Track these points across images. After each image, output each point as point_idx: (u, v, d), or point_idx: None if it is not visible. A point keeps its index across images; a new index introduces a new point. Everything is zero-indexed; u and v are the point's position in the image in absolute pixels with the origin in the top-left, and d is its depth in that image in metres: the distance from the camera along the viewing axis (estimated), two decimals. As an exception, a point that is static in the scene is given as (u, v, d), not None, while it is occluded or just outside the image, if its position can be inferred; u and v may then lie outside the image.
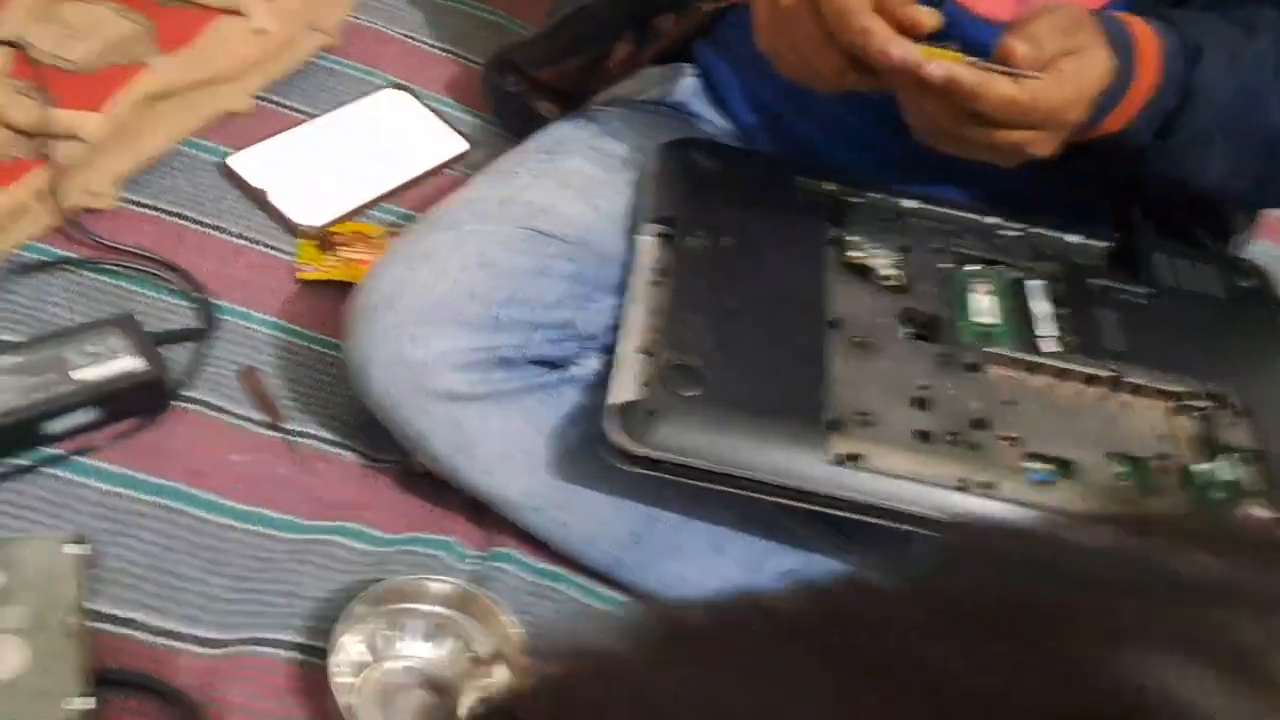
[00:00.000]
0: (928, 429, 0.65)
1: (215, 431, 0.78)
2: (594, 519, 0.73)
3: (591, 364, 0.72)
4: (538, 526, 0.74)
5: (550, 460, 0.71)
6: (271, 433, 0.79)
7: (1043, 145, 0.62)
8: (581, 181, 0.79)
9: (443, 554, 0.76)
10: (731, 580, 0.74)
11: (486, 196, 0.77)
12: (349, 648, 0.68)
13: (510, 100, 0.94)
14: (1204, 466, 0.65)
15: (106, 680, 0.64)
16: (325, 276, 0.88)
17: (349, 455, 0.79)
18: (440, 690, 0.69)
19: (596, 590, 0.76)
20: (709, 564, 0.74)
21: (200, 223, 0.89)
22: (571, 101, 0.90)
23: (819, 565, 0.75)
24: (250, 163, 0.94)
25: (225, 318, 0.84)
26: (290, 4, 0.96)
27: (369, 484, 0.78)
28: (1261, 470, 0.65)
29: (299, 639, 0.69)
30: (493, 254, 0.72)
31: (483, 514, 0.77)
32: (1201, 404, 0.68)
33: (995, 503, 0.62)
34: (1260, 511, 0.63)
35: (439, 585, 0.70)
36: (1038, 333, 0.72)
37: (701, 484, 0.65)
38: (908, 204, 0.79)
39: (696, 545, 0.73)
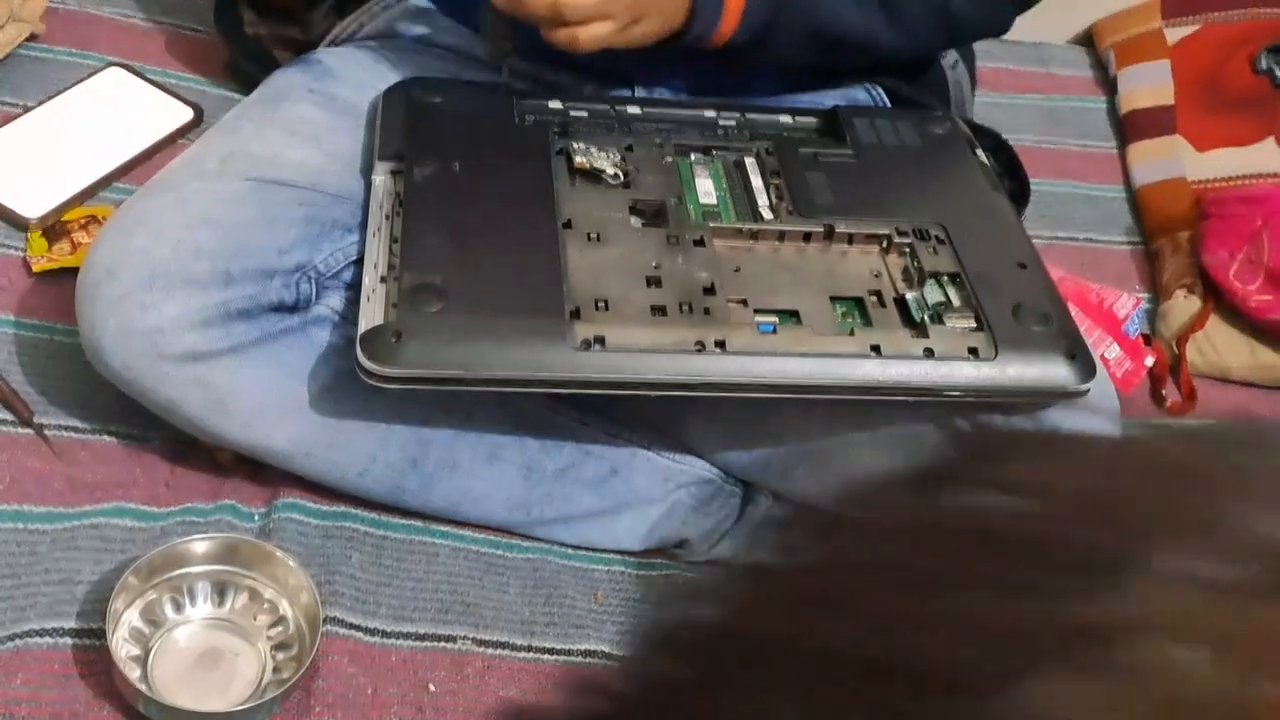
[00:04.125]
0: (662, 303, 0.68)
1: (-41, 438, 0.75)
2: (364, 453, 0.73)
3: (334, 301, 0.72)
4: (313, 471, 0.74)
5: (309, 403, 0.71)
6: (23, 430, 0.76)
7: (618, 35, 0.68)
8: (309, 128, 0.78)
9: (227, 517, 0.75)
10: (514, 485, 0.76)
11: (208, 154, 0.76)
12: (129, 622, 0.67)
13: (247, 48, 0.92)
14: (913, 294, 0.71)
15: None
16: (59, 265, 0.85)
17: (111, 439, 0.77)
18: (239, 644, 0.69)
19: (387, 521, 0.77)
20: (488, 473, 0.76)
21: (-86, 232, 0.85)
22: (304, 50, 0.89)
23: (596, 457, 0.78)
24: (-35, 164, 0.89)
25: (-44, 324, 0.80)
26: (-25, -8, 0.91)
27: (136, 464, 0.77)
28: (962, 288, 0.71)
29: (76, 624, 0.67)
30: (217, 211, 0.71)
31: (260, 471, 0.77)
32: (906, 240, 0.74)
33: (729, 357, 0.66)
34: (963, 322, 0.70)
35: (207, 544, 0.70)
36: (759, 203, 0.76)
37: (464, 390, 0.66)
38: (631, 110, 0.83)
39: (472, 458, 0.75)
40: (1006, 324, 0.69)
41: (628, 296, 0.68)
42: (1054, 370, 0.69)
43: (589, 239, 0.72)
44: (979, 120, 0.94)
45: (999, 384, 0.68)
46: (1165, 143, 1.16)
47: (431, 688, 0.70)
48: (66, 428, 0.77)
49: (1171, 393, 1.01)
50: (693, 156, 0.79)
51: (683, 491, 0.79)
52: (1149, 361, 1.01)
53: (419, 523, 0.77)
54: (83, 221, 0.88)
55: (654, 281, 0.69)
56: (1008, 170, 0.91)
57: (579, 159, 0.76)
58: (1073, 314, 0.74)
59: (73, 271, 0.83)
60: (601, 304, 0.68)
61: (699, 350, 0.66)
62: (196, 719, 0.64)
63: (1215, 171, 1.13)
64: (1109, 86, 1.24)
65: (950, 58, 0.90)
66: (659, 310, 0.68)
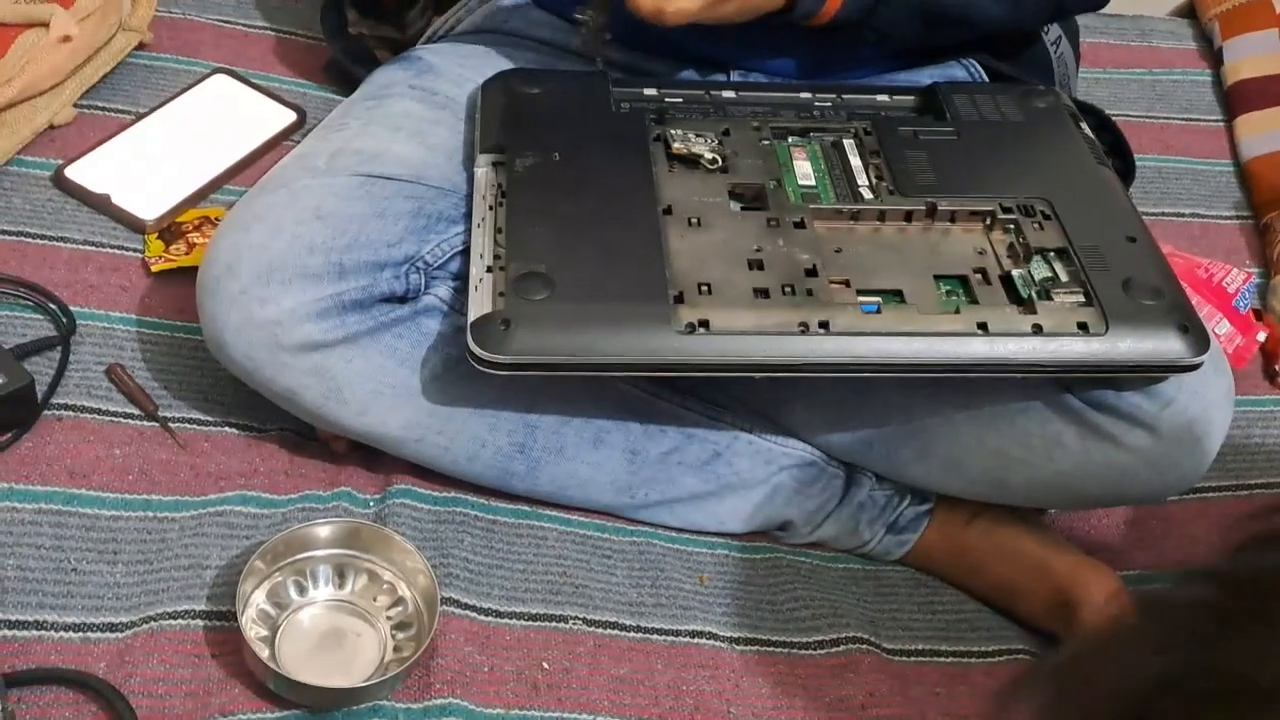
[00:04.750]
0: (765, 286, 0.68)
1: (91, 432, 0.78)
2: (473, 438, 0.75)
3: (442, 291, 0.74)
4: (423, 456, 0.76)
5: (420, 390, 0.73)
6: (149, 423, 0.80)
7: (707, 10, 0.67)
8: (411, 123, 0.80)
9: (343, 503, 0.77)
10: (619, 469, 0.77)
11: (316, 152, 0.78)
12: (256, 604, 0.70)
13: (349, 48, 0.95)
14: (1020, 270, 0.70)
15: (18, 682, 0.65)
16: (176, 265, 0.88)
17: (231, 430, 0.81)
18: (360, 624, 0.71)
19: (496, 505, 0.79)
20: (593, 458, 0.77)
21: (43, 236, 0.89)
22: (403, 48, 0.91)
23: (699, 441, 0.78)
24: (87, 170, 0.93)
25: (84, 322, 0.84)
26: (90, 6, 0.95)
27: (256, 454, 0.80)
28: (1069, 263, 0.70)
29: (206, 606, 0.70)
30: (328, 205, 0.73)
31: (374, 459, 0.79)
32: (1010, 216, 0.72)
33: (833, 337, 0.66)
34: (1071, 298, 0.68)
35: (329, 528, 0.72)
36: (859, 183, 0.75)
37: (571, 375, 0.67)
38: (726, 94, 0.83)
39: (578, 443, 0.76)
40: (1117, 298, 0.68)
41: (730, 280, 0.69)
42: (1166, 344, 0.67)
43: (689, 224, 0.72)
44: (1081, 98, 0.92)
45: (1110, 359, 0.67)
46: (1273, 113, 1.12)
47: (545, 665, 0.71)
48: (189, 420, 0.80)
49: (1286, 369, 0.97)
50: (790, 139, 0.79)
51: (785, 474, 0.79)
52: (1261, 336, 0.98)
53: (527, 507, 0.79)
54: (197, 223, 0.91)
55: (755, 264, 0.70)
56: (1112, 148, 0.89)
57: (676, 145, 0.77)
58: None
59: (190, 271, 0.86)
60: (704, 288, 0.68)
61: (803, 331, 0.66)
62: (322, 695, 0.67)
63: (1328, 140, 1.09)
64: (1213, 59, 1.21)
65: (1053, 34, 0.88)
66: (761, 293, 0.68)
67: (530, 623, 0.73)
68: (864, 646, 0.75)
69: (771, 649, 0.75)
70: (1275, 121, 1.12)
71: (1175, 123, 1.16)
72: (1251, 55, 1.17)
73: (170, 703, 0.66)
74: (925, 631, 0.78)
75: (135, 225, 0.91)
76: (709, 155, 0.76)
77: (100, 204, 0.91)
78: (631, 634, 0.74)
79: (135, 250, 0.89)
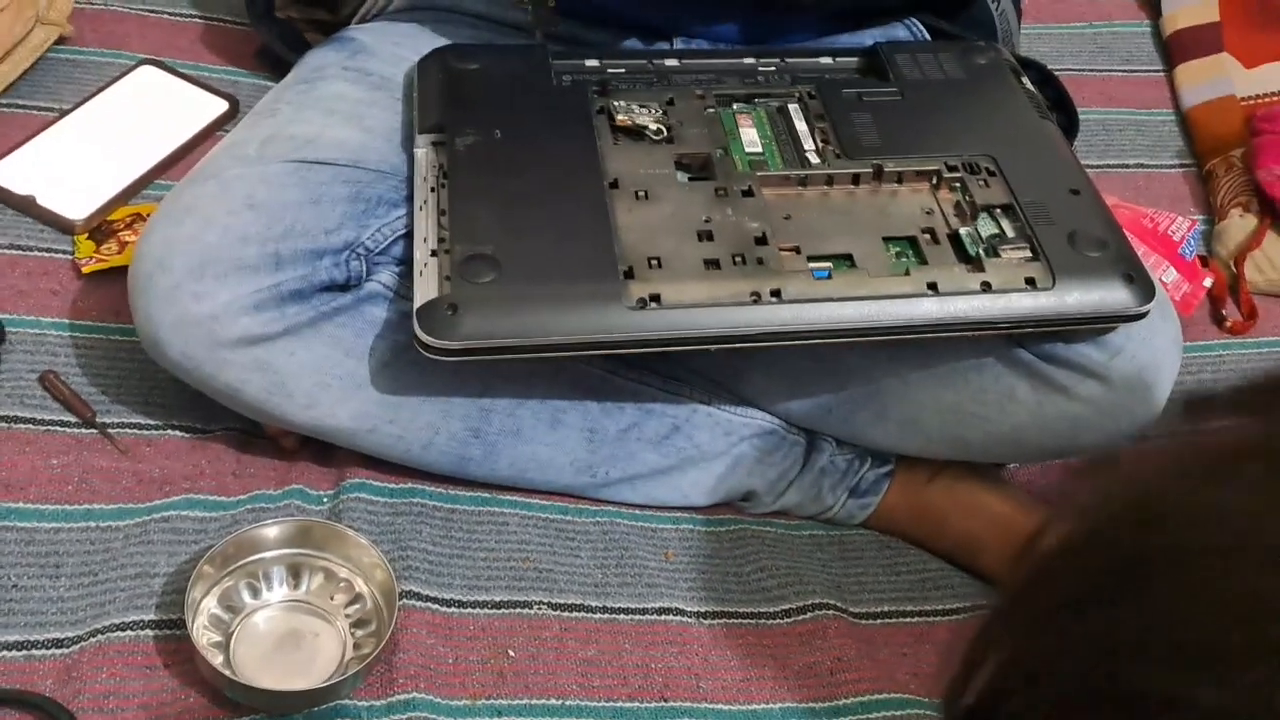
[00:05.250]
0: (715, 256, 0.67)
1: (26, 443, 0.75)
2: (426, 425, 0.73)
3: (386, 277, 0.72)
4: (376, 447, 0.74)
5: (368, 379, 0.71)
6: (87, 430, 0.77)
7: None
8: (346, 105, 0.78)
9: (295, 501, 0.75)
10: (578, 448, 0.76)
11: (247, 140, 0.76)
12: (208, 610, 0.68)
13: (280, 32, 0.92)
14: (967, 229, 0.70)
15: (-37, 704, 0.63)
16: (109, 265, 0.85)
17: (175, 433, 0.78)
18: (318, 624, 0.69)
19: (454, 494, 0.77)
20: (551, 438, 0.75)
21: (-36, 242, 0.85)
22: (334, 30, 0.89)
23: (657, 415, 0.77)
24: (10, 171, 0.90)
25: (14, 329, 0.81)
26: (2, 1, 0.92)
27: (202, 456, 0.77)
28: (1015, 219, 0.70)
29: (156, 615, 0.68)
30: (261, 194, 0.71)
31: (326, 454, 0.77)
32: (956, 175, 0.72)
33: (786, 305, 0.65)
34: (1018, 253, 0.68)
35: (279, 528, 0.70)
36: (805, 148, 0.74)
37: (523, 359, 0.66)
38: (669, 63, 0.81)
39: (534, 424, 0.75)
40: (1062, 251, 0.68)
41: (680, 252, 0.67)
42: (1113, 294, 0.67)
43: (636, 197, 0.71)
44: (1024, 53, 0.91)
45: (1058, 312, 0.67)
46: (1213, 62, 1.13)
47: (511, 653, 0.70)
48: (130, 425, 0.78)
49: (1232, 312, 0.98)
50: (735, 106, 0.78)
51: (745, 444, 0.78)
52: (1207, 283, 0.99)
53: (486, 493, 0.77)
54: (128, 220, 0.88)
55: (705, 235, 0.68)
56: (1055, 102, 0.89)
57: (620, 117, 0.75)
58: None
59: (122, 271, 0.83)
60: (654, 262, 0.67)
61: (755, 301, 0.65)
62: (281, 699, 0.65)
63: (1265, 86, 1.10)
64: (1152, 9, 1.21)
65: (994, -10, 0.88)
66: (712, 264, 0.67)
67: (494, 611, 0.72)
68: (830, 612, 0.75)
69: (739, 621, 0.74)
70: (1213, 69, 1.13)
71: (1117, 75, 1.16)
72: (1188, 5, 1.18)
73: (123, 717, 0.64)
74: (891, 593, 0.78)
75: (63, 226, 0.87)
76: (654, 126, 0.75)
77: (25, 206, 0.88)
78: (597, 615, 0.73)
79: (65, 252, 0.86)
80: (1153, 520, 0.25)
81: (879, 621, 0.76)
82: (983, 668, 0.27)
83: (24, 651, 0.66)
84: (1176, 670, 0.23)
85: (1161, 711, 0.23)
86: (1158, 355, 0.73)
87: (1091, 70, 1.16)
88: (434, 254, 0.68)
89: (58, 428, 0.77)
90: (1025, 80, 0.81)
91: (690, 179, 0.73)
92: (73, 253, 0.86)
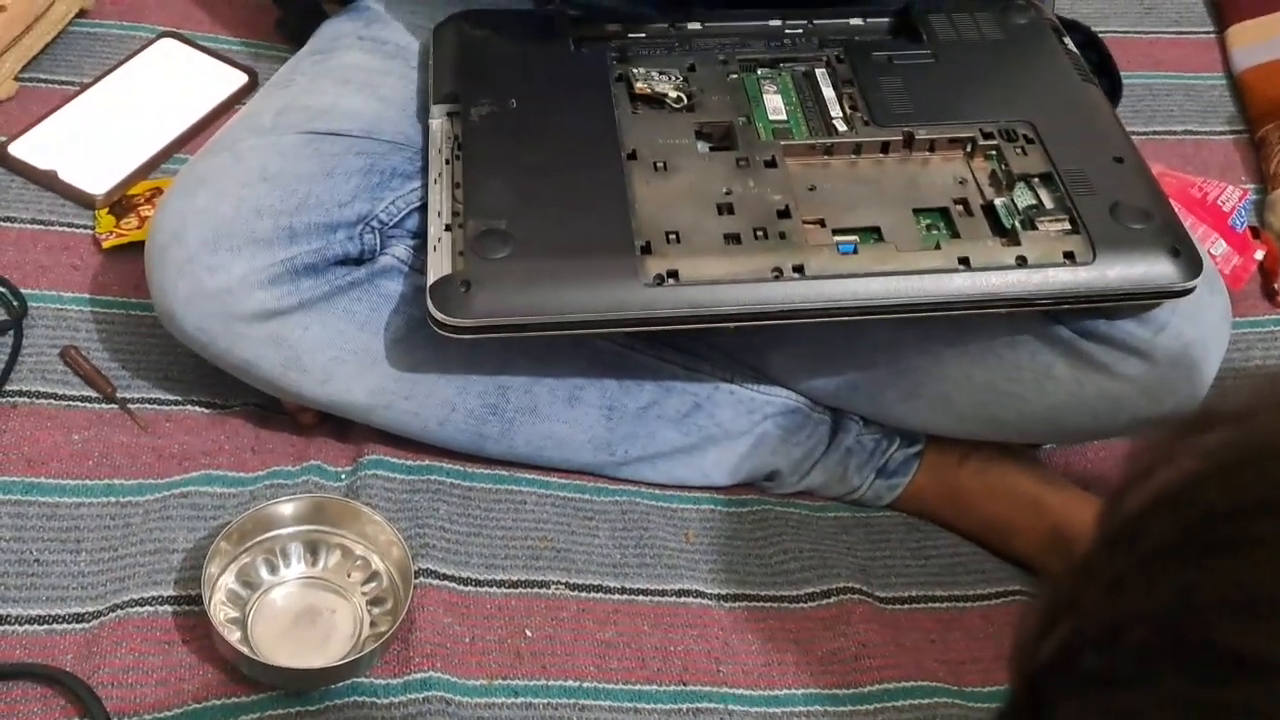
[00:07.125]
0: (736, 230, 0.65)
1: (47, 418, 0.75)
2: (443, 401, 0.72)
3: (400, 251, 0.71)
4: (393, 423, 0.73)
5: (383, 354, 0.70)
6: (108, 406, 0.77)
7: None
8: (361, 75, 0.76)
9: (313, 477, 0.75)
10: (597, 426, 0.75)
11: (262, 110, 0.74)
12: (225, 586, 0.68)
13: (298, 3, 0.91)
14: (1002, 199, 0.67)
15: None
16: (129, 239, 0.85)
17: (194, 409, 0.78)
18: (335, 601, 0.69)
19: (471, 471, 0.76)
20: (569, 415, 0.74)
21: (-13, 217, 0.85)
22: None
23: (678, 393, 0.76)
24: (32, 146, 0.90)
25: (36, 304, 0.81)
26: (23, -28, 0.91)
27: (220, 431, 0.77)
28: (1054, 189, 0.67)
29: (175, 591, 0.68)
30: (275, 166, 0.69)
31: (344, 430, 0.77)
32: (992, 142, 0.69)
33: (809, 281, 0.63)
34: (1057, 225, 0.65)
35: (295, 504, 0.69)
36: (832, 115, 0.72)
37: (539, 335, 0.65)
38: (691, 26, 0.79)
39: (552, 401, 0.73)
40: (1104, 223, 0.65)
41: (699, 226, 0.65)
42: (1157, 269, 0.64)
43: (655, 169, 0.69)
44: (1065, 14, 0.87)
45: (1099, 288, 0.64)
46: (1268, 21, 1.08)
47: (528, 633, 0.69)
48: (150, 400, 0.78)
49: (1286, 287, 0.94)
50: (759, 71, 0.75)
51: (769, 422, 0.77)
52: (1259, 255, 0.95)
53: (504, 471, 0.76)
54: (148, 194, 0.88)
55: (725, 208, 0.66)
56: (1098, 67, 0.85)
57: (639, 84, 0.73)
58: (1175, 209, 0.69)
59: (142, 245, 0.82)
60: (672, 236, 0.65)
61: (777, 277, 0.63)
62: (297, 676, 0.65)
63: (1325, 47, 1.05)
64: (1202, -34, 1.16)
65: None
66: (732, 238, 0.65)
67: (511, 590, 0.71)
68: (856, 596, 0.73)
69: (761, 604, 0.73)
70: (1269, 30, 1.07)
71: (1165, 37, 1.11)
72: (1242, -39, 1.12)
73: (141, 692, 0.64)
74: (919, 577, 0.76)
75: (84, 200, 0.87)
76: (674, 94, 0.73)
77: (47, 180, 0.88)
78: (616, 596, 0.72)
79: (85, 227, 0.86)
80: (1269, 471, 0.24)
81: (906, 606, 0.74)
82: (1060, 624, 0.26)
83: (45, 625, 0.66)
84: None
85: (1258, 674, 0.21)
86: (1205, 331, 0.70)
87: (1139, 32, 1.11)
88: (448, 228, 0.67)
89: (79, 403, 0.77)
90: (1067, 41, 0.77)
91: (711, 149, 0.71)
92: (93, 227, 0.86)
